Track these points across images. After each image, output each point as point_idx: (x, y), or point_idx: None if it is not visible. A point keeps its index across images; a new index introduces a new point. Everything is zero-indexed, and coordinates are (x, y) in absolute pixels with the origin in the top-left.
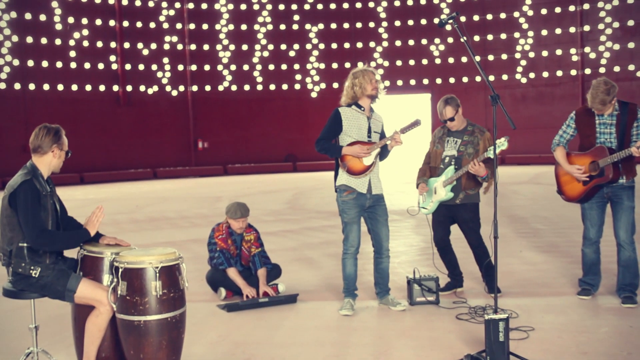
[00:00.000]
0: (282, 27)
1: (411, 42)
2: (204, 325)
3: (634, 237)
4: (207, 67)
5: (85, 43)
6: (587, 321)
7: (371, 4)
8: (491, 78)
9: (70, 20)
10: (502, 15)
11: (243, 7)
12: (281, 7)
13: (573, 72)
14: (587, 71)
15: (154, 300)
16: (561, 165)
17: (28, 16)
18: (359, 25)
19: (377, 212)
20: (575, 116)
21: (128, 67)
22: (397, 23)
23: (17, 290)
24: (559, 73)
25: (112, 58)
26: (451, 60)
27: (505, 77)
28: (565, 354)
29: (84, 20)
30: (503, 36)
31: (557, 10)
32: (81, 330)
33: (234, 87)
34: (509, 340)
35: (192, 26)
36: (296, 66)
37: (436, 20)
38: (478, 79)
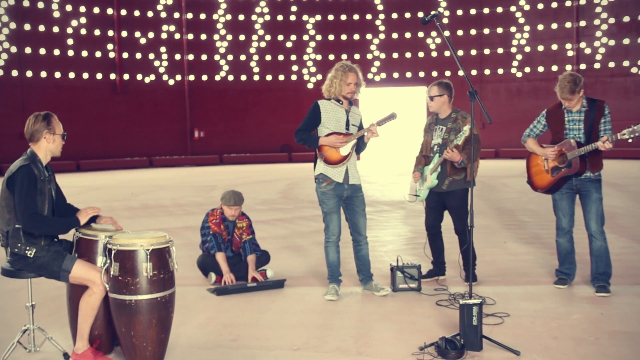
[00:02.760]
0: (280, 17)
1: (408, 35)
2: (194, 308)
3: (603, 228)
4: (204, 57)
5: (83, 31)
6: (560, 309)
7: None
8: (487, 72)
9: (68, 8)
10: (499, 9)
11: None
12: None
13: (568, 67)
14: (582, 66)
15: (144, 280)
16: (534, 150)
17: (26, 3)
18: (356, 17)
19: (354, 203)
20: (547, 113)
21: (125, 55)
22: (394, 15)
23: (15, 270)
24: (554, 68)
25: (110, 46)
26: (447, 53)
27: (500, 71)
28: (536, 339)
29: (82, 8)
30: (499, 30)
31: (554, 5)
32: (76, 309)
33: (230, 77)
34: (482, 325)
35: (189, 15)
36: (293, 57)
37: (420, 14)
38: (474, 72)
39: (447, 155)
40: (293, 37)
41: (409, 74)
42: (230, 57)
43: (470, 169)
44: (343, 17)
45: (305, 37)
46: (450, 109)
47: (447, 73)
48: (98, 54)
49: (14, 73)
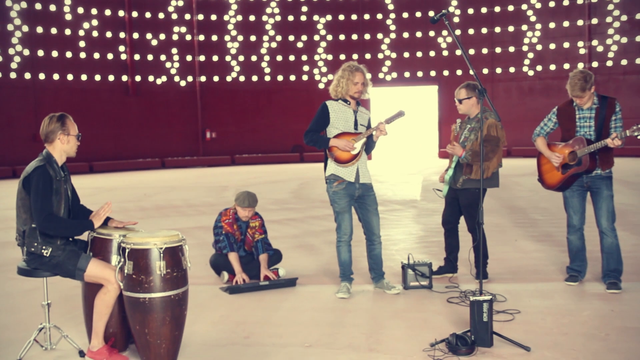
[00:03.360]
0: (290, 18)
1: (419, 34)
2: (207, 306)
3: (614, 225)
4: (215, 58)
5: (95, 33)
6: (571, 305)
7: None
8: (498, 70)
9: (80, 10)
10: (510, 8)
11: None
12: None
13: (580, 65)
14: (595, 64)
15: (158, 279)
16: (543, 151)
17: (38, 6)
18: (366, 16)
19: (366, 202)
20: (557, 110)
21: (137, 57)
22: (405, 15)
23: (31, 269)
24: (566, 66)
25: (121, 48)
26: (458, 52)
27: (512, 69)
28: (547, 335)
29: (94, 11)
30: (511, 28)
31: (565, 3)
32: (91, 308)
33: (242, 78)
34: (493, 321)
35: (200, 17)
36: (304, 57)
37: (431, 13)
38: (485, 70)
39: (449, 149)
40: (304, 38)
41: (420, 73)
42: (241, 58)
43: (480, 167)
44: (354, 16)
45: (316, 38)
46: (479, 109)
47: (459, 72)
48: (110, 56)
49: (27, 75)
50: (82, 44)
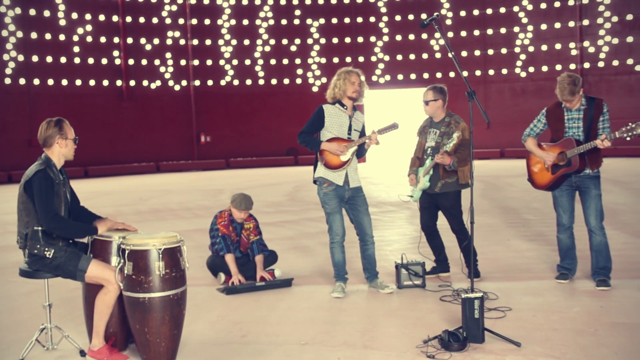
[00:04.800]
0: (284, 21)
1: (411, 37)
2: (205, 307)
3: (603, 223)
4: (209, 62)
5: (89, 38)
6: (561, 302)
7: None
8: (490, 72)
9: (74, 16)
10: (502, 10)
11: (245, 2)
12: (282, 1)
13: (572, 66)
14: (586, 65)
15: (157, 279)
16: (533, 152)
17: (32, 12)
18: (359, 19)
19: (357, 203)
20: (546, 112)
21: (131, 62)
22: (398, 17)
23: (33, 271)
24: (558, 67)
25: (116, 53)
26: (451, 54)
27: (504, 71)
28: (537, 331)
29: (88, 16)
30: (503, 30)
31: (557, 4)
32: (91, 308)
33: (236, 82)
34: (485, 318)
35: (194, 21)
36: (297, 61)
37: (424, 16)
38: (478, 72)
39: (438, 159)
40: (297, 41)
41: (413, 76)
42: (235, 62)
43: (470, 169)
44: (347, 20)
45: (310, 41)
46: (444, 113)
47: (452, 74)
48: (104, 61)
49: (22, 81)
50: (76, 49)
